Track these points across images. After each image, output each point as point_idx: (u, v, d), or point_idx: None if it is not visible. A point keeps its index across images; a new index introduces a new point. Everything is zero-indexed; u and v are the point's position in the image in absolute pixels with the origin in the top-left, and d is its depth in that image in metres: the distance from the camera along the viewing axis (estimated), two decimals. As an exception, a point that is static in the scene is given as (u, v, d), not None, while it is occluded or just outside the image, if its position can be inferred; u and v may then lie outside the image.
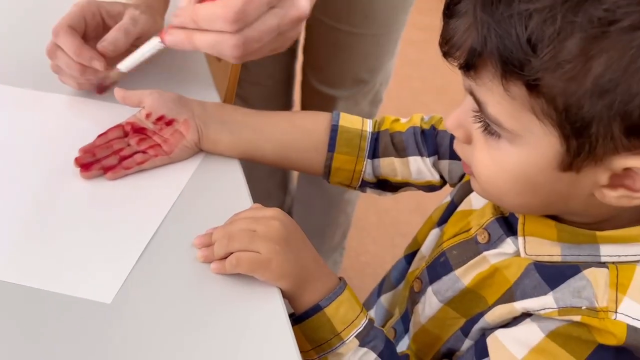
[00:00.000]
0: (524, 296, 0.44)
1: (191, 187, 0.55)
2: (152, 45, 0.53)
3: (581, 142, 0.37)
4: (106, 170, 0.54)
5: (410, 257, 0.61)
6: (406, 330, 0.57)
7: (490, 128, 0.41)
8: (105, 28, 0.62)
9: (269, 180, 1.18)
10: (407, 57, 1.89)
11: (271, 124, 0.60)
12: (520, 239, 0.46)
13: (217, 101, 0.64)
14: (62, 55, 0.58)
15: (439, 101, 1.85)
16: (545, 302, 0.43)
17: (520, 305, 0.44)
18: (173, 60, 0.68)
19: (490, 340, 0.46)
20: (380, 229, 1.46)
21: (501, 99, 0.38)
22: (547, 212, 0.45)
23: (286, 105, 1.09)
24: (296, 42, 1.01)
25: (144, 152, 0.56)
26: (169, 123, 0.57)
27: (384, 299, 0.63)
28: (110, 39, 0.59)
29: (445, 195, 0.63)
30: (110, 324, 0.44)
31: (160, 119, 0.57)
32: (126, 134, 0.57)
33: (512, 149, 0.40)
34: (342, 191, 1.14)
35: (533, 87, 0.36)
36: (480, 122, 0.41)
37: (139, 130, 0.57)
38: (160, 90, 0.58)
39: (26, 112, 0.61)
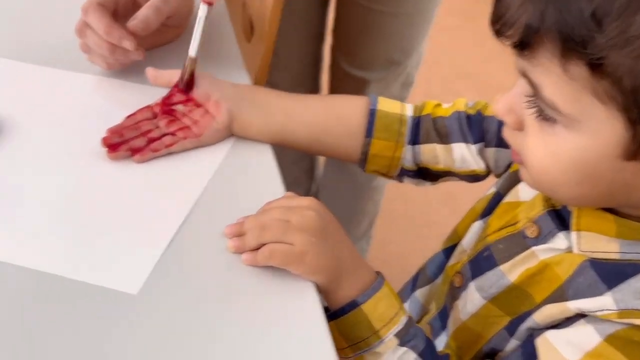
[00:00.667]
0: (578, 295, 0.42)
1: (221, 173, 0.53)
2: (201, 15, 0.52)
3: None
4: (134, 152, 0.53)
5: (448, 250, 0.58)
6: (444, 327, 0.55)
7: (545, 113, 0.38)
8: (136, 5, 0.60)
9: (295, 166, 1.16)
10: (438, 43, 1.83)
11: (306, 108, 0.58)
12: (573, 234, 0.43)
13: (248, 83, 0.62)
14: (92, 34, 0.56)
15: (470, 88, 1.80)
16: (602, 302, 0.40)
17: (574, 305, 0.42)
18: (204, 41, 0.66)
19: (539, 342, 0.43)
20: (408, 219, 1.43)
21: (559, 81, 0.35)
22: (606, 204, 0.42)
23: (314, 90, 1.07)
24: (325, 24, 0.98)
25: (172, 134, 0.54)
26: (200, 104, 0.55)
27: (419, 293, 0.60)
28: (141, 18, 0.57)
29: (477, 183, 0.60)
30: (136, 316, 0.42)
31: (191, 99, 0.55)
32: (155, 116, 0.56)
33: (569, 135, 0.37)
34: (371, 178, 1.11)
35: (596, 67, 0.33)
36: (534, 106, 0.39)
37: (168, 112, 0.55)
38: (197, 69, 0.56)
39: (54, 93, 0.60)
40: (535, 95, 0.38)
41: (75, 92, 0.60)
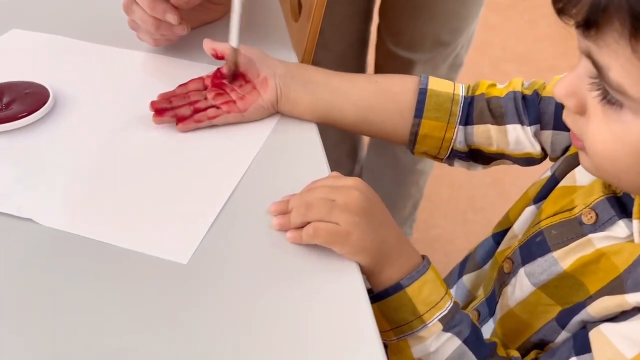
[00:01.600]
0: (638, 287, 0.39)
1: (266, 152, 0.53)
2: (236, 1, 0.51)
3: None
4: (179, 120, 0.54)
5: (499, 235, 0.56)
6: (491, 314, 0.53)
7: (610, 96, 0.36)
8: None
9: (337, 148, 1.15)
10: (487, 23, 1.78)
11: (354, 86, 0.56)
12: (635, 222, 0.41)
13: (295, 62, 0.61)
14: (137, 10, 0.57)
15: (520, 70, 1.74)
16: None
17: (633, 299, 0.39)
18: (252, 22, 0.66)
19: (593, 335, 0.41)
20: (452, 203, 1.41)
21: (627, 63, 0.33)
22: None
23: (359, 70, 1.05)
24: (372, 3, 0.96)
25: (217, 107, 0.54)
26: (249, 80, 0.55)
27: (467, 279, 0.58)
28: None
29: (525, 168, 0.57)
30: (186, 285, 0.43)
31: (242, 74, 0.55)
32: (206, 87, 0.56)
33: (637, 120, 0.35)
34: (415, 161, 1.09)
35: None
36: (599, 89, 0.36)
37: (218, 85, 0.56)
38: (247, 45, 0.56)
39: (105, 68, 0.61)
40: (600, 77, 0.35)
41: (125, 67, 0.61)
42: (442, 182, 1.42)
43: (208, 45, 0.56)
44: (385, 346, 0.46)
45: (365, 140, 1.23)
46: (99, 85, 0.59)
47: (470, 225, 1.35)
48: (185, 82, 0.57)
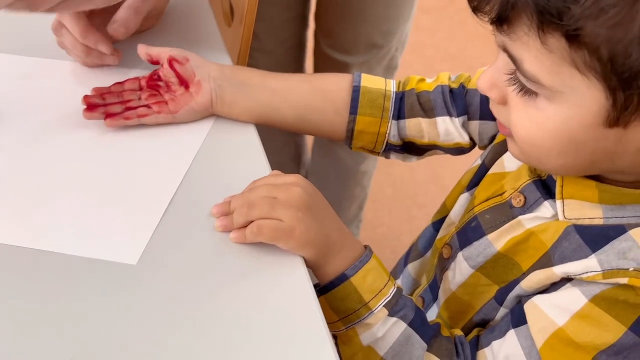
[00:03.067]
0: (564, 260, 0.42)
1: (206, 155, 0.53)
2: None
3: (629, 95, 0.34)
4: (107, 116, 0.54)
5: (438, 223, 0.58)
6: (434, 299, 0.55)
7: (526, 87, 0.38)
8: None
9: (281, 152, 1.16)
10: (420, 25, 1.84)
11: (290, 86, 0.57)
12: (558, 202, 0.44)
13: (230, 64, 0.62)
14: (67, 34, 0.56)
15: (454, 69, 1.79)
16: (587, 265, 0.41)
17: (560, 270, 0.42)
18: (184, 26, 0.66)
19: (528, 307, 0.44)
20: (396, 201, 1.44)
21: (538, 54, 0.36)
22: (590, 172, 0.42)
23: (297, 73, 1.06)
24: (307, 8, 0.97)
25: (149, 107, 0.55)
26: (184, 82, 0.55)
27: (411, 267, 0.60)
28: (121, 21, 0.56)
29: (464, 162, 0.60)
30: (136, 285, 0.43)
31: (177, 76, 0.55)
32: (141, 88, 0.56)
33: (551, 107, 0.38)
34: (358, 162, 1.12)
35: (573, 38, 0.33)
36: (516, 81, 0.39)
37: (153, 87, 0.56)
38: (182, 49, 0.56)
39: (33, 79, 0.59)
40: (517, 69, 0.38)
41: (55, 78, 0.59)
42: (386, 181, 1.45)
43: (142, 50, 0.56)
44: (335, 337, 0.47)
45: (310, 143, 1.24)
46: (26, 97, 0.57)
47: (414, 222, 1.39)
48: (121, 80, 0.56)
